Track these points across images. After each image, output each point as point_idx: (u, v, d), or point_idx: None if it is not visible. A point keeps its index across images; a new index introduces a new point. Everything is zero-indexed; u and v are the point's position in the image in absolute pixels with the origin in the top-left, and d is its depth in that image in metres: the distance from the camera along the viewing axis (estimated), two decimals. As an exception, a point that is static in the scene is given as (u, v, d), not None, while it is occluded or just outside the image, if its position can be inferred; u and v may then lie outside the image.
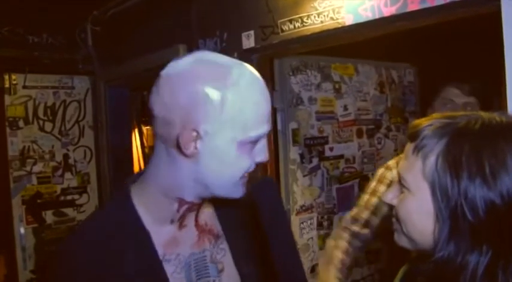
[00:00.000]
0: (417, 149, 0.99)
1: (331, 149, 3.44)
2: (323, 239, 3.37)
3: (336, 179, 3.49)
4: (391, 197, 1.09)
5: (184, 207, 1.19)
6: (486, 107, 2.17)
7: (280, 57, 3.13)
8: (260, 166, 3.00)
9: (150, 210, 1.18)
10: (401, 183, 1.04)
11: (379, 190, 2.26)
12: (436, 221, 0.96)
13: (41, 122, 4.11)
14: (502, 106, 1.95)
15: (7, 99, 3.95)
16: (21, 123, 4.02)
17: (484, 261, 0.90)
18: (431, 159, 0.96)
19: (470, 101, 2.28)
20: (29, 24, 4.00)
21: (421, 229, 1.00)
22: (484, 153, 0.91)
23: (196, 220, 1.25)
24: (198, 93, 1.04)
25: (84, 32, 4.21)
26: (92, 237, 1.16)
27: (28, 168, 4.04)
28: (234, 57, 2.91)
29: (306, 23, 2.52)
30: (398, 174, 1.05)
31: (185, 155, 1.09)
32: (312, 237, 3.30)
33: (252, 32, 2.82)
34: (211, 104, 1.04)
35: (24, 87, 4.03)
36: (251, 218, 1.31)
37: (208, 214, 1.28)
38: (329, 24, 2.42)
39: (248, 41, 2.84)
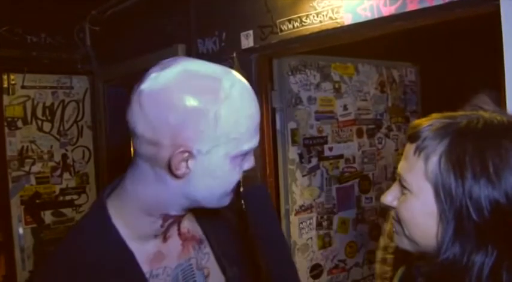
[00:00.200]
0: (418, 150, 0.98)
1: (330, 149, 3.44)
2: (322, 239, 3.37)
3: (336, 179, 3.48)
4: (390, 198, 1.07)
5: (169, 221, 1.13)
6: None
7: (279, 57, 3.12)
8: (260, 166, 3.00)
9: (132, 228, 1.11)
10: (402, 184, 1.03)
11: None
12: (440, 222, 0.95)
13: (39, 122, 4.11)
14: (502, 104, 1.95)
15: (5, 99, 3.95)
16: (19, 123, 4.01)
17: (490, 261, 0.89)
18: (434, 159, 0.95)
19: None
20: (27, 24, 4.00)
21: (423, 230, 0.99)
22: (487, 153, 0.90)
23: (178, 229, 1.21)
24: (189, 111, 0.97)
25: (83, 32, 4.21)
26: (72, 264, 1.07)
27: (27, 168, 4.04)
28: (233, 57, 2.91)
29: (304, 22, 2.52)
30: (399, 175, 1.04)
31: (176, 176, 1.03)
32: (311, 237, 3.30)
33: (251, 32, 2.81)
34: (204, 121, 0.98)
35: (23, 87, 4.03)
36: (239, 222, 1.30)
37: (188, 220, 1.25)
38: (328, 24, 2.42)
39: (247, 40, 2.84)
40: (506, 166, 0.89)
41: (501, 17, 1.78)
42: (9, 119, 3.96)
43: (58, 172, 4.20)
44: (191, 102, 0.97)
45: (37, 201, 4.07)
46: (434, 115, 1.02)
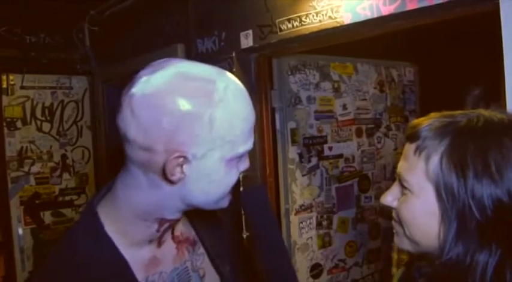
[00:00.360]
0: (419, 150, 0.98)
1: (330, 149, 3.44)
2: (322, 238, 3.37)
3: (335, 179, 3.48)
4: (390, 199, 1.07)
5: (165, 225, 1.11)
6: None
7: (278, 57, 3.12)
8: (260, 166, 2.99)
9: (126, 234, 1.09)
10: (402, 184, 1.03)
11: None
12: (442, 221, 0.94)
13: (38, 123, 4.10)
14: (501, 103, 1.95)
15: (5, 99, 3.94)
16: (19, 124, 4.01)
17: (494, 261, 0.89)
18: (435, 159, 0.95)
19: None
20: (26, 24, 3.99)
21: (425, 231, 0.98)
22: (489, 152, 0.90)
23: (172, 233, 1.20)
24: (183, 114, 0.94)
25: (82, 32, 4.20)
26: (65, 277, 1.04)
27: (26, 168, 4.03)
28: (232, 57, 2.90)
29: (304, 22, 2.51)
30: (399, 175, 1.03)
31: (171, 182, 1.01)
32: (311, 237, 3.30)
33: (250, 31, 2.81)
34: (199, 125, 0.96)
35: (22, 87, 4.02)
36: (237, 223, 1.29)
37: (181, 222, 1.22)
38: (327, 23, 2.41)
39: (246, 40, 2.84)
40: (508, 164, 0.89)
41: (501, 17, 1.77)
42: (8, 120, 3.95)
43: (57, 172, 4.19)
44: (185, 105, 0.95)
45: (36, 201, 4.07)
46: (433, 114, 1.02)
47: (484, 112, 0.97)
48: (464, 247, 0.91)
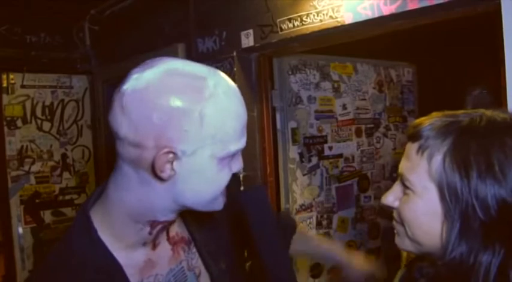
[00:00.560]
0: (421, 149, 0.97)
1: (330, 148, 3.44)
2: (322, 238, 3.38)
3: (335, 178, 3.49)
4: (392, 199, 1.06)
5: (158, 228, 1.10)
6: None
7: (279, 56, 3.13)
8: (260, 166, 2.99)
9: (119, 237, 1.08)
10: (404, 184, 1.02)
11: None
12: (445, 221, 0.94)
13: (39, 122, 4.10)
14: (502, 103, 1.95)
15: (5, 98, 3.93)
16: (19, 123, 4.00)
17: (497, 261, 0.88)
18: (438, 159, 0.94)
19: None
20: (27, 23, 3.98)
21: (427, 231, 0.98)
22: (492, 151, 0.89)
23: (167, 234, 1.19)
24: (173, 110, 0.94)
25: (82, 31, 4.20)
26: None
27: (26, 167, 4.02)
28: (233, 56, 2.90)
29: (305, 21, 2.52)
30: (401, 175, 1.03)
31: (161, 179, 1.00)
32: (311, 237, 3.30)
33: (251, 31, 2.81)
34: (188, 121, 0.94)
35: (22, 86, 4.01)
36: (235, 223, 1.29)
37: (177, 222, 1.22)
38: (328, 23, 2.42)
39: (247, 39, 2.84)
40: (511, 163, 0.89)
41: (502, 17, 1.78)
42: (8, 119, 3.94)
43: (58, 171, 4.18)
44: (175, 101, 0.94)
45: (37, 200, 4.06)
46: (434, 114, 1.01)
47: (487, 112, 0.97)
48: (468, 247, 0.90)
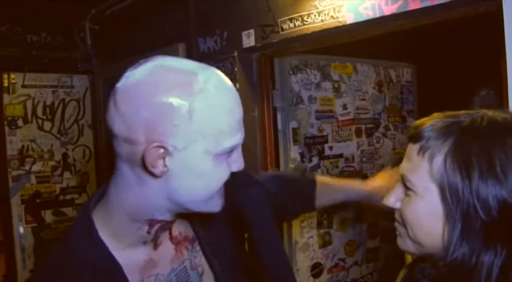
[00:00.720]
0: (422, 150, 0.97)
1: (330, 148, 3.45)
2: (322, 237, 3.38)
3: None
4: (393, 200, 1.06)
5: (156, 227, 1.10)
6: None
7: (280, 56, 3.12)
8: (261, 166, 2.99)
9: (119, 237, 1.09)
10: (405, 185, 1.02)
11: None
12: (446, 222, 0.94)
13: (40, 121, 4.11)
14: (504, 104, 1.96)
15: (6, 98, 3.94)
16: (20, 123, 4.01)
17: (499, 261, 0.88)
18: (439, 159, 0.94)
19: None
20: (28, 23, 3.99)
21: (429, 232, 0.98)
22: (493, 152, 0.89)
23: (170, 233, 1.18)
24: (162, 105, 0.94)
25: (83, 31, 4.21)
26: None
27: (27, 167, 4.03)
28: (234, 56, 2.90)
29: (306, 21, 2.52)
30: (402, 176, 1.03)
31: (154, 175, 1.00)
32: (312, 236, 3.31)
33: (252, 31, 2.82)
34: (177, 116, 0.94)
35: (23, 86, 4.02)
36: (235, 223, 1.28)
37: (179, 221, 1.21)
38: (329, 23, 2.42)
39: (248, 39, 2.84)
40: None
41: (503, 17, 1.78)
42: (9, 118, 3.96)
43: (58, 171, 4.19)
44: (164, 96, 0.94)
45: (37, 200, 4.07)
46: (435, 114, 1.01)
47: (488, 112, 0.96)
48: (469, 248, 0.90)
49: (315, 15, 2.48)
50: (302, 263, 3.24)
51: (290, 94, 3.18)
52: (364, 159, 3.68)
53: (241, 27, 2.88)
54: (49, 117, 4.16)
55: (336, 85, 3.48)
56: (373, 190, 1.62)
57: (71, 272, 1.05)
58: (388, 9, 2.17)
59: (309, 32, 2.52)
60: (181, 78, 0.97)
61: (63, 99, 4.24)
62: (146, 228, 1.09)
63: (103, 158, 4.28)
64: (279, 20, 2.65)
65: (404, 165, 1.03)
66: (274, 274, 1.22)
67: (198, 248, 1.24)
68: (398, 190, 1.06)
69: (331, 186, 1.72)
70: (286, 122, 3.17)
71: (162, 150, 0.96)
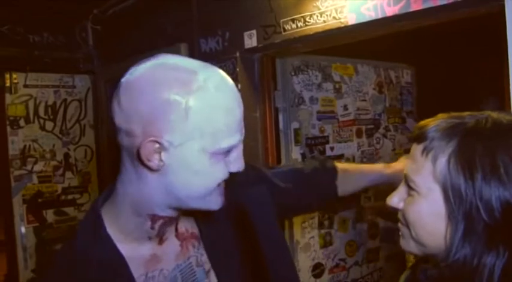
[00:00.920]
0: (426, 151, 0.97)
1: (331, 149, 3.45)
2: (323, 237, 3.39)
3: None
4: (396, 200, 1.06)
5: (159, 223, 1.12)
6: None
7: (282, 57, 3.13)
8: (262, 166, 2.99)
9: (125, 232, 1.11)
10: (409, 185, 1.02)
11: None
12: (449, 223, 0.94)
13: (41, 121, 4.10)
14: (505, 106, 1.97)
15: (8, 98, 3.94)
16: (22, 122, 4.01)
17: (501, 262, 0.88)
18: (442, 160, 0.94)
19: None
20: (29, 23, 3.99)
21: (431, 232, 0.98)
22: (497, 153, 0.89)
23: (176, 230, 1.20)
24: (159, 101, 0.96)
25: (85, 31, 4.22)
26: (64, 277, 1.08)
27: (29, 167, 4.03)
28: (236, 57, 2.90)
29: (308, 22, 2.53)
30: (406, 176, 1.03)
31: (150, 169, 1.02)
32: (313, 237, 3.31)
33: (254, 31, 2.82)
34: (174, 112, 0.96)
35: (25, 86, 4.02)
36: (239, 222, 1.29)
37: (186, 218, 1.23)
38: (332, 23, 2.43)
39: (250, 40, 2.85)
40: None
41: (506, 18, 1.79)
42: (11, 118, 3.95)
43: (60, 171, 4.19)
44: (162, 92, 0.96)
45: (39, 200, 4.06)
46: (440, 115, 1.01)
47: (492, 114, 0.96)
48: (471, 249, 0.90)
49: (317, 16, 2.49)
50: (303, 263, 3.25)
51: (292, 95, 3.19)
52: (365, 159, 3.69)
53: (243, 27, 2.89)
54: (51, 117, 4.15)
55: (337, 86, 3.49)
56: (395, 173, 1.58)
57: (74, 267, 1.07)
58: (390, 10, 2.18)
59: (311, 33, 2.53)
60: (181, 76, 0.98)
61: (65, 99, 4.23)
62: (149, 223, 1.11)
63: (105, 158, 4.28)
64: (281, 20, 2.66)
65: (408, 166, 1.03)
66: (278, 274, 1.23)
67: (203, 245, 1.24)
68: (402, 190, 1.06)
69: (353, 173, 1.70)
70: (288, 123, 3.17)
71: (157, 145, 0.98)
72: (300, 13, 2.56)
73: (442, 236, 0.95)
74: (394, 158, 3.83)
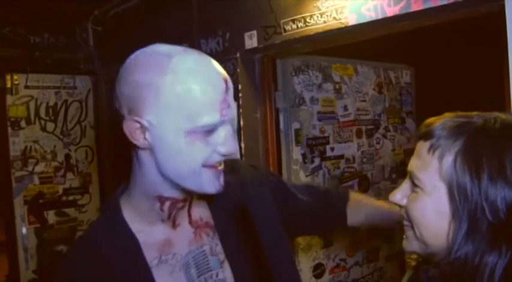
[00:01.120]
0: (433, 148, 0.97)
1: (332, 149, 3.45)
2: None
3: (337, 179, 3.50)
4: (399, 196, 1.06)
5: (167, 204, 1.18)
6: None
7: (282, 58, 3.13)
8: (264, 167, 2.97)
9: (140, 215, 1.19)
10: (413, 182, 1.02)
11: None
12: (452, 221, 0.94)
13: (42, 122, 4.11)
14: (505, 106, 1.97)
15: (9, 99, 3.94)
16: (23, 123, 4.01)
17: (503, 262, 0.88)
18: (449, 158, 0.94)
19: None
20: (30, 24, 4.00)
21: (434, 230, 0.98)
22: (505, 154, 0.89)
23: (189, 216, 1.25)
24: (137, 83, 1.05)
25: (86, 32, 4.22)
26: (86, 258, 1.16)
27: (30, 168, 4.03)
28: (236, 57, 2.90)
29: (308, 23, 2.53)
30: (411, 173, 1.02)
31: (139, 147, 1.10)
32: (314, 237, 3.31)
33: (254, 32, 2.83)
34: (149, 93, 1.04)
35: (26, 87, 4.03)
36: (244, 219, 1.30)
37: (202, 208, 1.28)
38: (332, 24, 2.43)
39: (251, 40, 2.85)
40: None
41: (506, 18, 1.79)
42: (12, 119, 3.96)
43: (61, 172, 4.20)
44: (139, 75, 1.05)
45: (40, 201, 4.07)
46: (447, 114, 1.01)
47: (501, 114, 0.96)
48: (474, 247, 0.90)
49: (317, 17, 2.49)
50: (304, 263, 3.25)
51: (292, 95, 3.18)
52: (365, 160, 3.69)
53: (244, 28, 2.89)
54: (52, 118, 4.16)
55: (337, 86, 3.49)
56: None
57: (90, 250, 1.17)
58: (391, 11, 2.18)
59: (311, 33, 2.53)
60: (157, 59, 1.06)
61: (66, 100, 4.24)
62: (158, 204, 1.17)
63: (105, 158, 4.28)
64: (282, 21, 2.66)
65: (413, 162, 1.03)
66: (282, 278, 1.23)
67: (218, 236, 1.28)
68: (405, 186, 1.06)
69: (365, 204, 1.68)
70: (289, 123, 3.17)
71: (138, 125, 1.07)
72: (301, 13, 2.56)
73: (444, 234, 0.95)
74: (394, 158, 3.85)
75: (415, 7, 2.09)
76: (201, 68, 1.07)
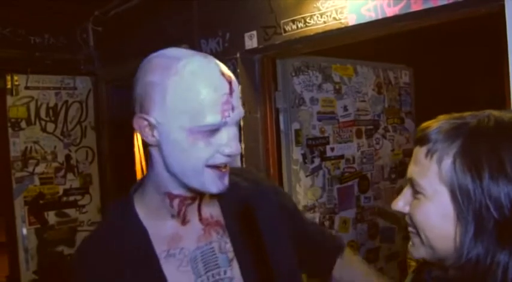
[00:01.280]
0: (430, 153, 0.96)
1: (332, 149, 3.46)
2: (324, 238, 3.39)
3: (337, 179, 3.50)
4: (402, 204, 1.05)
5: (176, 201, 1.22)
6: None
7: (282, 58, 3.13)
8: (264, 167, 2.98)
9: (150, 210, 1.24)
10: (414, 189, 1.01)
11: None
12: (458, 224, 0.93)
13: (43, 123, 4.11)
14: (506, 105, 1.97)
15: (9, 100, 3.95)
16: (23, 124, 4.02)
17: None
18: (448, 161, 0.94)
19: None
20: (30, 25, 4.01)
21: (440, 234, 0.97)
22: (503, 151, 0.89)
23: (199, 214, 1.27)
24: (147, 83, 1.11)
25: (86, 33, 4.23)
26: (99, 249, 1.22)
27: (30, 169, 4.04)
28: (236, 58, 2.90)
29: (308, 23, 2.53)
30: (411, 179, 1.01)
31: (150, 145, 1.17)
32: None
33: (254, 32, 2.83)
34: (155, 93, 1.10)
35: (26, 88, 4.03)
36: (251, 218, 1.32)
37: (213, 207, 1.30)
38: (332, 24, 2.43)
39: (251, 41, 2.86)
40: None
41: (506, 18, 1.79)
42: (13, 120, 3.96)
43: (62, 173, 4.20)
44: (149, 76, 1.11)
45: (41, 201, 4.07)
46: (441, 117, 1.00)
47: (494, 112, 0.96)
48: (484, 248, 0.89)
49: (317, 17, 2.49)
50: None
51: (292, 95, 3.19)
52: (364, 160, 3.70)
53: (244, 28, 2.90)
54: (52, 118, 4.16)
55: (337, 87, 3.50)
56: None
57: (101, 241, 1.24)
58: (391, 11, 2.18)
59: (311, 34, 2.54)
60: (166, 62, 1.11)
61: (66, 101, 4.24)
62: (168, 201, 1.22)
63: (106, 159, 4.29)
64: (282, 21, 2.66)
65: (412, 169, 1.02)
66: (283, 273, 1.26)
67: (227, 234, 1.29)
68: (407, 194, 1.05)
69: (358, 267, 1.65)
70: (289, 124, 3.18)
71: (146, 123, 1.13)
72: (300, 14, 2.57)
73: (451, 238, 0.94)
74: (393, 158, 3.85)
75: (415, 7, 2.09)
76: (204, 69, 1.11)
